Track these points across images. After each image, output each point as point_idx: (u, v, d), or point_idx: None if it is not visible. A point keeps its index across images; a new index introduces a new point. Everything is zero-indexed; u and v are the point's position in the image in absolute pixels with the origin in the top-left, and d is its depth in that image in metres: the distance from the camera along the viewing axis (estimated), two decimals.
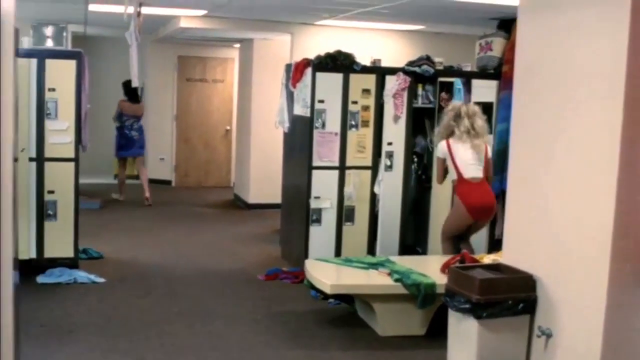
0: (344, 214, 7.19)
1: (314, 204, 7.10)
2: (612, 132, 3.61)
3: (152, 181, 13.21)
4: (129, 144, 11.12)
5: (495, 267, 4.53)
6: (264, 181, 10.63)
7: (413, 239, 7.80)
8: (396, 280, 5.38)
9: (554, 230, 4.08)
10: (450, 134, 6.29)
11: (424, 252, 7.58)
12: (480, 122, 6.28)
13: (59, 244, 6.82)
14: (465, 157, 6.20)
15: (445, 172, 6.40)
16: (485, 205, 6.21)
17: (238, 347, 5.13)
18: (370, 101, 7.15)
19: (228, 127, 13.30)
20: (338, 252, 7.15)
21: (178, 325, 5.56)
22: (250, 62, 11.06)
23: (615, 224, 3.64)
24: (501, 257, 4.77)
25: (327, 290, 5.39)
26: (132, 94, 10.94)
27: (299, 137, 7.37)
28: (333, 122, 7.07)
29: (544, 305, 4.16)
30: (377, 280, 5.49)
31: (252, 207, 10.91)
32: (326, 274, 5.60)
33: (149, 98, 13.38)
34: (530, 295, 4.21)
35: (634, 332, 3.84)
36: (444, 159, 6.32)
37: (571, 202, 3.94)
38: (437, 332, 5.21)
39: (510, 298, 4.17)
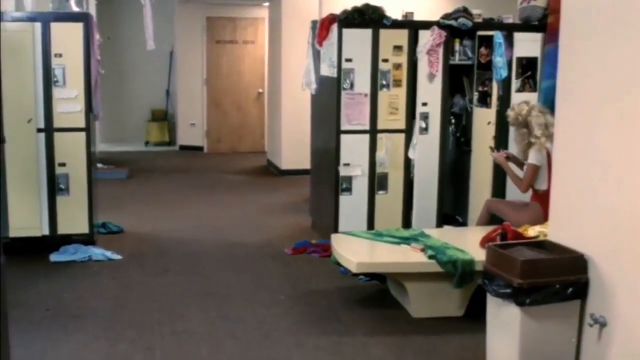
0: (377, 182, 6.68)
1: (343, 172, 6.60)
2: None
3: (182, 148, 12.88)
4: None
5: (541, 245, 4.01)
6: (296, 146, 10.10)
7: (452, 208, 7.27)
8: (430, 257, 4.86)
9: (608, 203, 3.54)
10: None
11: (464, 221, 7.06)
12: None
13: (73, 219, 6.41)
14: None
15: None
16: None
17: (255, 334, 4.67)
18: (403, 59, 6.58)
19: (260, 90, 12.79)
20: (370, 223, 6.65)
21: (193, 308, 5.14)
22: (279, 21, 10.53)
23: None
24: (547, 229, 4.23)
25: (353, 269, 4.89)
26: None
27: (326, 99, 6.84)
28: (362, 82, 6.53)
29: (596, 289, 3.64)
30: (409, 257, 4.97)
31: (284, 174, 10.45)
32: (353, 250, 5.10)
33: (178, 62, 12.93)
34: (581, 278, 3.68)
35: None
36: (540, 167, 5.55)
37: (629, 169, 3.37)
38: (476, 314, 4.68)
39: (558, 282, 3.66)
